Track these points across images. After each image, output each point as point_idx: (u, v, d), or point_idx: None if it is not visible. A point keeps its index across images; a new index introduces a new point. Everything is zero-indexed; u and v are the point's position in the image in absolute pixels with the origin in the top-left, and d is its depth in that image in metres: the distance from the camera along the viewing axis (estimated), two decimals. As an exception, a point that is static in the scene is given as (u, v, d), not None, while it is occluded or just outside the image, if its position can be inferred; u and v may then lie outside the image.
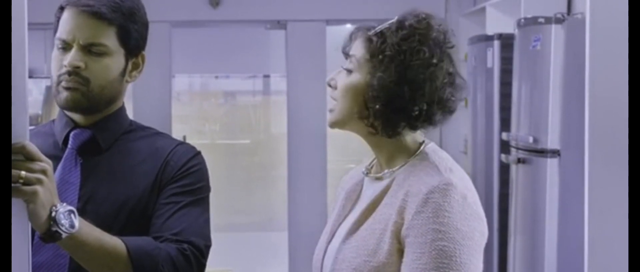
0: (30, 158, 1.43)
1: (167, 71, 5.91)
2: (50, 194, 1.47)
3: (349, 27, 6.14)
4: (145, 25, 1.88)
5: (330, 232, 1.70)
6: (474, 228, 1.51)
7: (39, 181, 1.43)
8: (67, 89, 1.75)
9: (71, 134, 1.80)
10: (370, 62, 1.58)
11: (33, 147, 1.44)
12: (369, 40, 1.60)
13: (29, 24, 1.39)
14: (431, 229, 1.47)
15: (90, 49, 1.75)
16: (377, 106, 1.56)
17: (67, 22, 1.76)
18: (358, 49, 1.61)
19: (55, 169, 1.73)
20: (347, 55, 1.66)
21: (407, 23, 1.59)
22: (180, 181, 1.79)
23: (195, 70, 6.82)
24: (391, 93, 1.55)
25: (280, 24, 6.09)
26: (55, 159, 1.75)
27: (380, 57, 1.56)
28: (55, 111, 1.87)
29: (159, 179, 1.78)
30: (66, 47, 1.75)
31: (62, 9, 1.77)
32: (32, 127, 1.67)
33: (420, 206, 1.49)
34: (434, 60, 1.57)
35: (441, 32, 1.61)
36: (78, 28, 1.75)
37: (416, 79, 1.55)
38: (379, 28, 1.60)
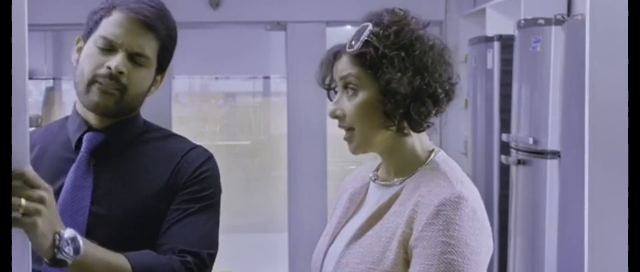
0: (29, 185, 1.42)
1: (167, 72, 5.91)
2: (50, 223, 1.46)
3: (349, 28, 6.14)
4: (175, 44, 1.92)
5: (331, 234, 1.69)
6: (481, 243, 1.51)
7: (38, 212, 1.42)
8: (103, 92, 1.73)
9: (85, 137, 1.78)
10: (374, 74, 1.55)
11: (32, 174, 1.43)
12: (359, 55, 1.56)
13: (29, 25, 1.38)
14: (441, 242, 1.47)
15: (134, 58, 1.74)
16: (403, 109, 1.55)
17: (117, 24, 1.73)
18: (351, 68, 1.57)
19: (66, 171, 1.74)
20: (329, 85, 1.63)
21: (385, 21, 1.57)
22: (191, 188, 1.77)
23: (195, 72, 6.83)
24: (415, 86, 1.54)
25: (280, 25, 6.09)
26: (64, 160, 1.77)
27: (385, 61, 1.54)
28: (55, 112, 1.87)
29: (170, 184, 1.77)
30: (110, 48, 1.73)
31: (112, 8, 1.75)
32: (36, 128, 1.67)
33: (431, 217, 1.49)
34: (430, 42, 1.57)
35: (413, 17, 1.60)
36: (128, 34, 1.73)
37: (428, 63, 1.55)
38: (361, 39, 1.56)
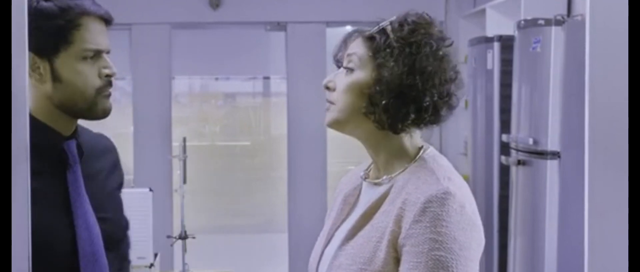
0: None
1: (167, 73, 5.91)
2: None
3: (349, 28, 6.14)
4: None
5: (327, 236, 1.69)
6: (471, 238, 1.50)
7: None
8: (108, 97, 1.74)
9: (68, 148, 1.75)
10: (374, 59, 1.58)
11: None
12: (370, 38, 1.60)
13: (29, 25, 1.38)
14: (428, 239, 1.47)
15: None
16: (386, 100, 1.55)
17: (95, 31, 1.71)
18: (358, 48, 1.61)
19: (53, 184, 1.72)
20: (339, 61, 1.66)
21: (409, 19, 1.60)
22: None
23: (195, 72, 6.82)
24: (403, 84, 1.54)
25: (280, 26, 6.10)
26: (44, 173, 1.71)
27: (388, 50, 1.56)
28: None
29: (120, 179, 1.92)
30: (94, 56, 1.71)
31: (76, 17, 1.69)
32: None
33: (418, 215, 1.48)
34: (441, 53, 1.58)
35: (441, 30, 1.62)
36: (103, 36, 1.73)
37: (426, 69, 1.55)
38: (379, 26, 1.60)
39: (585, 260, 2.28)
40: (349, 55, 1.62)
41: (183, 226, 4.79)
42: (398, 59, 1.55)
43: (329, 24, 5.99)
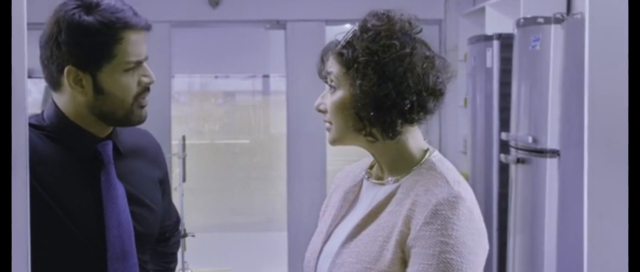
0: None
1: (167, 71, 5.91)
2: None
3: (348, 27, 6.14)
4: None
5: (325, 232, 1.69)
6: (478, 243, 1.51)
7: None
8: (143, 107, 1.77)
9: (101, 149, 1.78)
10: (348, 74, 1.57)
11: None
12: (340, 54, 1.58)
13: (29, 24, 1.38)
14: (439, 242, 1.47)
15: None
16: (370, 113, 1.55)
17: (136, 43, 1.73)
18: (333, 66, 1.60)
19: (87, 183, 1.75)
20: (325, 78, 1.65)
21: (369, 25, 1.58)
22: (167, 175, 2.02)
23: (194, 71, 6.82)
24: (378, 95, 1.54)
25: (280, 24, 6.09)
26: (78, 173, 1.76)
27: (356, 65, 1.55)
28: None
29: (163, 175, 1.95)
30: (135, 66, 1.74)
31: (117, 30, 1.70)
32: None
33: (429, 217, 1.49)
34: (407, 50, 1.55)
35: (405, 21, 1.59)
36: (144, 47, 1.76)
37: (396, 73, 1.54)
38: (344, 39, 1.59)
39: (585, 258, 2.28)
40: (328, 73, 1.62)
41: (182, 224, 4.79)
42: (366, 72, 1.54)
43: (329, 22, 5.99)
